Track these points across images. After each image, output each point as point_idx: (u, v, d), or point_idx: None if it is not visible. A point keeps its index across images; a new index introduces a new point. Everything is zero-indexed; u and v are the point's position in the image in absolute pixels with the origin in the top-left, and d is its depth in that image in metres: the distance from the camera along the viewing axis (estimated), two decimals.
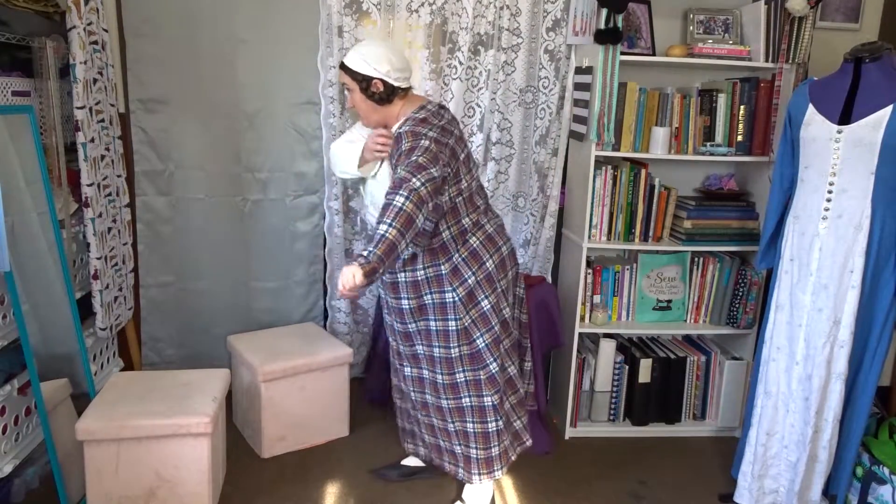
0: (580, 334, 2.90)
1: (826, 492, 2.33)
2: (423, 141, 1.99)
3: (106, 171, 2.63)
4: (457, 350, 2.16)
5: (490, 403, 2.20)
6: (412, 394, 2.31)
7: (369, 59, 2.08)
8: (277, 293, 3.14)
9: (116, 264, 2.73)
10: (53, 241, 2.30)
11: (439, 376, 2.20)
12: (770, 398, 2.35)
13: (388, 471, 2.58)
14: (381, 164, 2.20)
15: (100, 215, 2.55)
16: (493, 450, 2.24)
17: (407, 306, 2.18)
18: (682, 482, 2.67)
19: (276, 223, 3.06)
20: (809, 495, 2.30)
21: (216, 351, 3.08)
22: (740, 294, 2.89)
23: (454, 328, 2.15)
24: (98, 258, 2.53)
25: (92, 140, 2.48)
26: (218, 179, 2.99)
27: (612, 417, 3.01)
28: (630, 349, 3.01)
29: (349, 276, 1.76)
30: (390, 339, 2.34)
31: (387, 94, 2.11)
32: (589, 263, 2.92)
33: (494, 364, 2.19)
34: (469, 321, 2.15)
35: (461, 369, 2.18)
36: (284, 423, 2.71)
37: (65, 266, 2.34)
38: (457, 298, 2.13)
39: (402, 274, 2.16)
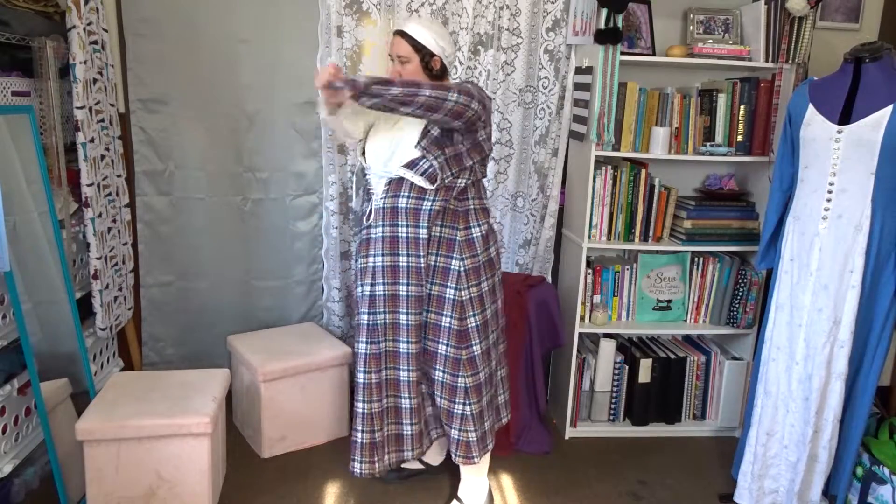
0: (580, 334, 2.90)
1: (826, 492, 2.33)
2: (474, 104, 2.06)
3: (106, 171, 2.63)
4: (448, 321, 2.18)
5: (463, 385, 2.20)
6: (423, 354, 2.24)
7: (438, 36, 2.18)
8: (277, 293, 3.14)
9: (116, 264, 2.73)
10: (53, 240, 2.30)
11: (441, 346, 2.21)
12: (770, 398, 2.35)
13: (386, 474, 2.57)
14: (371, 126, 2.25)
15: (100, 215, 2.56)
16: (485, 424, 2.26)
17: (422, 264, 2.18)
18: (682, 482, 2.67)
19: (276, 223, 3.06)
20: (809, 495, 2.30)
21: (216, 351, 3.09)
22: (740, 294, 2.89)
23: (451, 297, 2.17)
24: (98, 258, 2.53)
25: (92, 140, 2.48)
26: (218, 179, 2.99)
27: (612, 417, 3.01)
28: (630, 349, 3.01)
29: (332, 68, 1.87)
30: (384, 318, 2.23)
31: (441, 72, 2.22)
32: (589, 263, 2.92)
33: (478, 346, 2.21)
34: (467, 297, 2.17)
35: (448, 342, 2.20)
36: (284, 423, 2.71)
37: (65, 266, 2.34)
38: (462, 269, 2.16)
39: (424, 229, 2.15)
